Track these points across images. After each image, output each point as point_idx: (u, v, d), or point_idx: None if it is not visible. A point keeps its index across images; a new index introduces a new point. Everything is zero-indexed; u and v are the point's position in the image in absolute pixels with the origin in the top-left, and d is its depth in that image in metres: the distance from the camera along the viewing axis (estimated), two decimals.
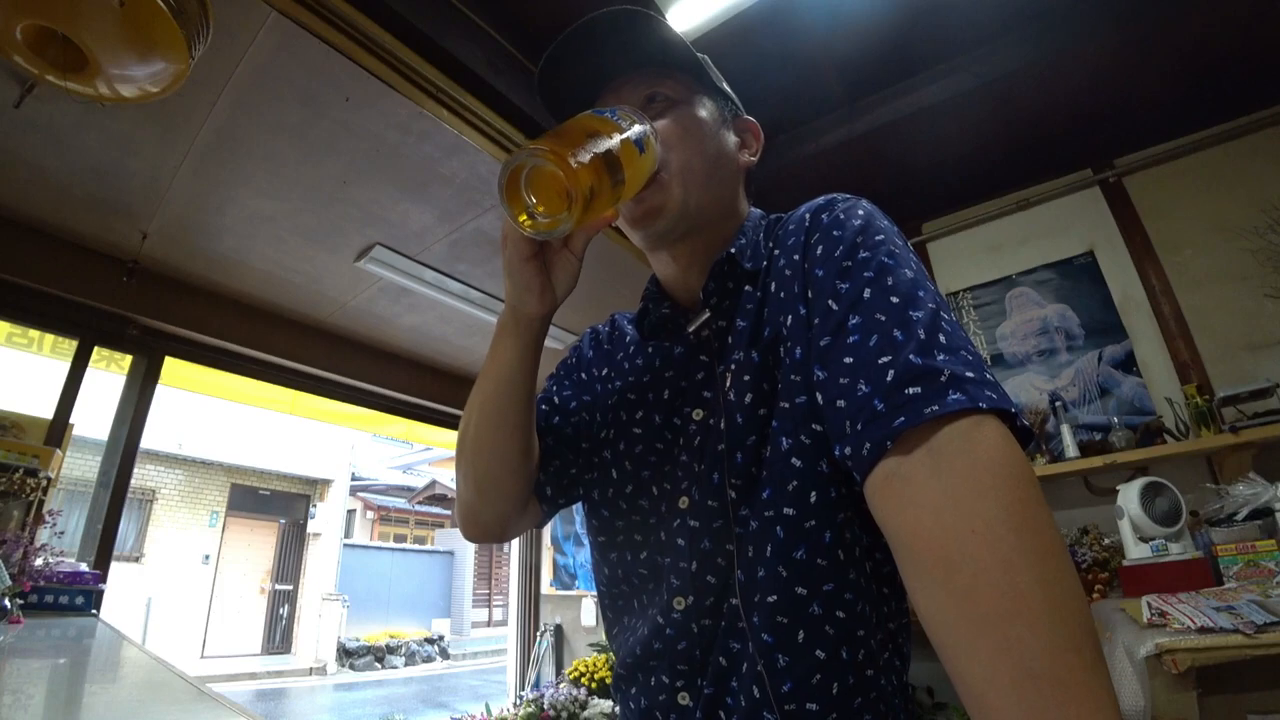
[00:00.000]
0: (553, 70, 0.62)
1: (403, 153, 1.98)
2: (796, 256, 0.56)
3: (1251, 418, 1.76)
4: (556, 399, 0.72)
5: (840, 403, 0.45)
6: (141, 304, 2.45)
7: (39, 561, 1.66)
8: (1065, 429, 2.04)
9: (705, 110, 0.64)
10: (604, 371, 0.72)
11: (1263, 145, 2.07)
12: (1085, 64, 1.98)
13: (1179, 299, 2.10)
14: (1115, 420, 2.04)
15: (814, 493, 0.51)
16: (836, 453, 0.46)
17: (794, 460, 0.51)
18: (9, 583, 1.37)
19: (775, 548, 0.51)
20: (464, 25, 1.80)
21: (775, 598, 0.50)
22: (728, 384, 0.57)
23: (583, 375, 0.74)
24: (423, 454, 14.70)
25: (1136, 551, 1.60)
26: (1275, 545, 1.42)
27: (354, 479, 12.63)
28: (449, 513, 15.22)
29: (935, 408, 0.40)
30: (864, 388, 0.44)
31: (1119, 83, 2.06)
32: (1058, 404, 2.17)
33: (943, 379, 0.41)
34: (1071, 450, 2.01)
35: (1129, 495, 1.62)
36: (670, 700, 0.55)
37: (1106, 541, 1.90)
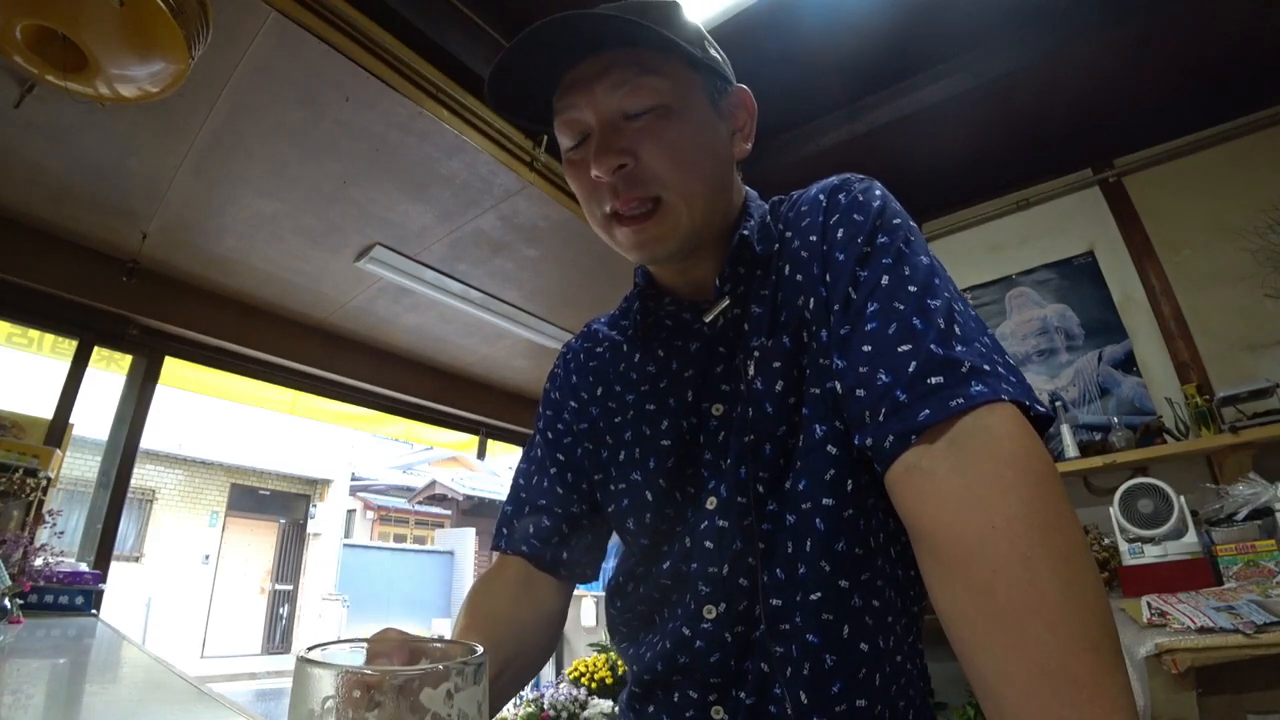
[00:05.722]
0: (509, 66, 0.53)
1: (403, 153, 1.98)
2: (814, 238, 0.54)
3: (1251, 418, 1.76)
4: (559, 487, 0.65)
5: (860, 391, 0.45)
6: (141, 304, 2.45)
7: (39, 561, 1.66)
8: (1065, 429, 2.04)
9: (697, 109, 0.54)
10: (599, 391, 0.65)
11: (1263, 145, 2.07)
12: (1085, 64, 1.97)
13: (1179, 299, 2.10)
14: (1115, 420, 2.04)
15: (850, 480, 0.49)
16: (856, 441, 0.45)
17: (830, 448, 0.49)
18: (9, 583, 1.37)
19: (815, 541, 0.49)
20: (464, 25, 1.80)
21: (819, 594, 0.48)
22: (751, 372, 0.54)
23: (573, 404, 0.67)
24: (423, 454, 14.67)
25: (1123, 551, 1.63)
26: (1275, 545, 1.42)
27: (354, 479, 12.62)
28: (449, 513, 15.20)
29: (960, 400, 0.39)
30: (884, 377, 0.43)
31: (1119, 83, 2.06)
32: (1058, 404, 2.16)
33: (964, 370, 0.40)
34: (1071, 450, 2.01)
35: (1115, 498, 1.66)
36: (702, 715, 0.52)
37: (1106, 541, 1.89)
